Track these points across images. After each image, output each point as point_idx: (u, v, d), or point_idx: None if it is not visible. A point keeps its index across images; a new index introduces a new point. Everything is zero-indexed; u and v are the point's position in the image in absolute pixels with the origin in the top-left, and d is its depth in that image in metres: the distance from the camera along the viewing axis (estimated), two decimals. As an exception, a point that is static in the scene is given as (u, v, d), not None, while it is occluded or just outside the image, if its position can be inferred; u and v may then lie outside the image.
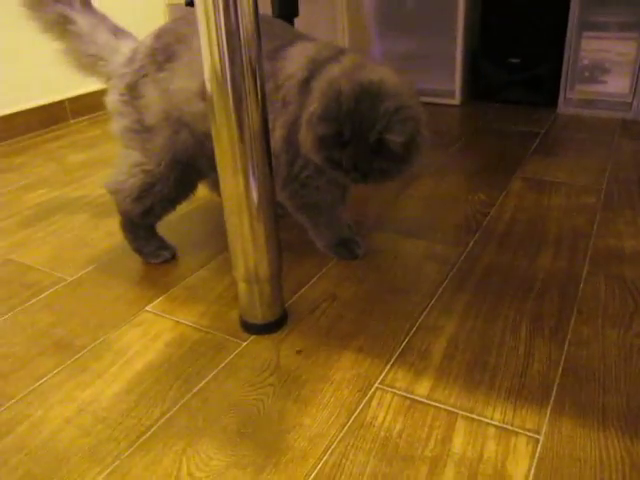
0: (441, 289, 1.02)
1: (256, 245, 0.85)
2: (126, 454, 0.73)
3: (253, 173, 0.81)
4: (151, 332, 0.94)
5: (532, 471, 0.68)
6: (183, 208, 1.31)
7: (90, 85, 2.37)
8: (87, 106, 2.39)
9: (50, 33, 1.04)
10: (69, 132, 2.13)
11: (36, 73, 2.14)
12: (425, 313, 0.96)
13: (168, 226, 1.23)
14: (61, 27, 1.01)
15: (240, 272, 0.88)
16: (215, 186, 1.16)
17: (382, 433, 0.74)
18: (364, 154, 0.92)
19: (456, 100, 2.07)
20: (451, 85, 2.05)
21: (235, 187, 0.81)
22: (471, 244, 1.16)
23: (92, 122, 2.29)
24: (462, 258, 1.12)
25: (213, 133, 0.79)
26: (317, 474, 0.69)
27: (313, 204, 1.08)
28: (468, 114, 2.01)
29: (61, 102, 2.32)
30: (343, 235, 1.13)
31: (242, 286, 0.90)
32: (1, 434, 0.77)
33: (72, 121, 2.34)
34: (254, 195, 0.82)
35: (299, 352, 0.88)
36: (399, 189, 1.43)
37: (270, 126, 0.90)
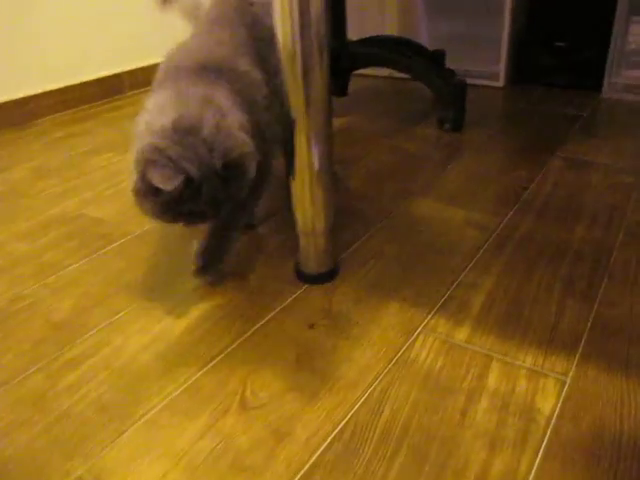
0: (480, 252, 1.10)
1: (314, 203, 0.95)
2: (197, 375, 0.84)
3: (315, 139, 0.91)
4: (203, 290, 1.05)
5: (558, 406, 0.76)
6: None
7: (146, 60, 2.48)
8: (143, 79, 2.51)
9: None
10: (126, 103, 2.25)
11: (97, 47, 2.27)
12: (465, 272, 1.05)
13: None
14: None
15: (299, 226, 0.98)
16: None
17: (424, 369, 0.83)
18: (217, 187, 0.83)
19: (500, 82, 2.12)
20: (496, 67, 2.11)
21: (299, 151, 0.91)
22: (510, 214, 1.24)
23: (149, 94, 2.40)
24: (501, 226, 1.19)
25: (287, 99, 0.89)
26: (366, 399, 0.79)
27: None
28: (512, 96, 2.06)
29: (119, 75, 2.44)
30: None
31: (300, 239, 0.99)
32: (88, 355, 0.89)
33: (129, 93, 2.46)
34: (315, 159, 0.92)
35: (325, 317, 0.97)
36: (443, 163, 1.51)
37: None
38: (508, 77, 2.13)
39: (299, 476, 0.69)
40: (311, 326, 0.92)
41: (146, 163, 0.79)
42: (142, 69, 2.51)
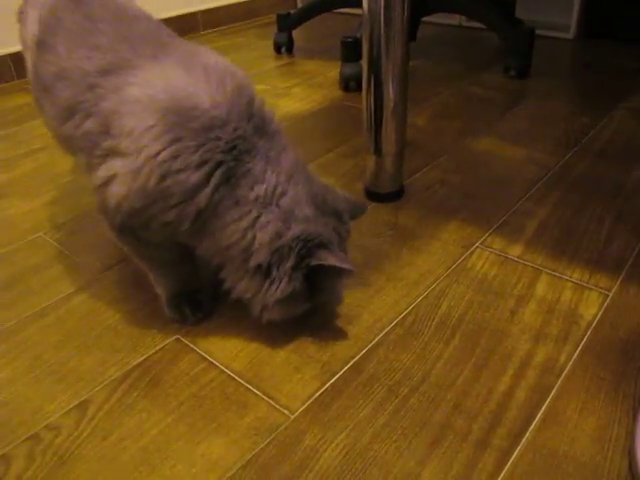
0: (537, 185, 1.18)
1: (388, 129, 1.05)
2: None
3: (392, 79, 1.02)
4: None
5: (599, 314, 0.86)
6: (315, 106, 1.51)
7: (221, 0, 2.58)
8: (217, 19, 2.61)
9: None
10: (201, 42, 2.35)
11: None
12: (521, 201, 1.13)
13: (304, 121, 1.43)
14: None
15: (373, 149, 1.08)
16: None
17: (479, 276, 0.93)
18: None
19: (570, 34, 2.14)
20: (567, 19, 2.12)
21: (380, 84, 1.04)
22: (569, 155, 1.31)
23: (221, 34, 2.51)
24: (559, 165, 1.27)
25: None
26: (426, 295, 0.90)
27: (142, 256, 0.84)
28: (581, 49, 2.08)
29: (194, 14, 2.54)
30: (186, 288, 0.87)
31: (371, 159, 1.10)
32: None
33: (203, 32, 2.57)
34: (391, 95, 1.02)
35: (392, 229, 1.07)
36: (506, 107, 1.57)
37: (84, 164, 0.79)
38: (579, 29, 2.14)
39: (365, 351, 0.80)
40: (378, 236, 1.03)
41: (316, 247, 0.73)
42: (217, 8, 2.61)
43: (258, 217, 0.71)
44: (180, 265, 0.82)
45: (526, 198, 1.13)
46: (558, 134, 1.40)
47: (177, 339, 0.83)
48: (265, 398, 0.73)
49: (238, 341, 0.82)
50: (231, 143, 0.69)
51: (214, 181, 0.69)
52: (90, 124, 0.73)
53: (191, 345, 0.82)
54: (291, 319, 0.78)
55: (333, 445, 0.67)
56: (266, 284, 0.72)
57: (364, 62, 1.02)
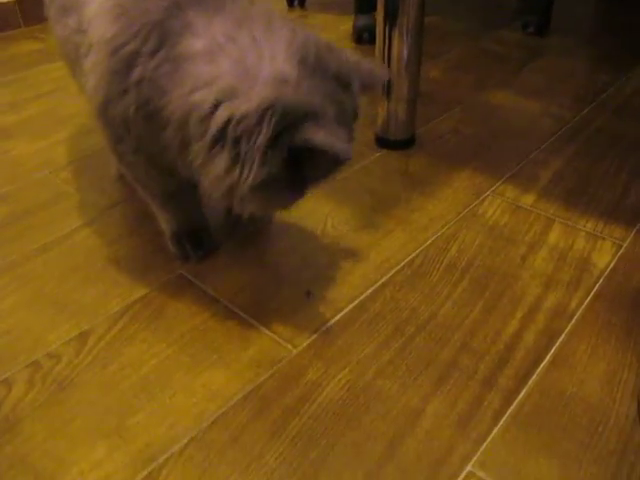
0: (553, 138, 1.15)
1: (400, 74, 1.02)
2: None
3: (407, 30, 1.01)
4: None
5: (612, 263, 0.84)
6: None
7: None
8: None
9: None
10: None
11: None
12: (536, 152, 1.10)
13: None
14: None
15: (384, 94, 1.05)
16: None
17: (490, 222, 0.91)
18: None
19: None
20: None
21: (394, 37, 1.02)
22: (586, 110, 1.27)
23: None
24: (576, 119, 1.23)
25: None
26: (435, 239, 0.88)
27: (145, 185, 0.80)
28: (604, 6, 2.02)
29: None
30: (189, 227, 0.85)
31: (383, 106, 1.07)
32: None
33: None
34: (405, 45, 1.02)
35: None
36: (523, 62, 1.53)
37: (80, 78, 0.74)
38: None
39: (371, 290, 0.79)
40: (387, 181, 1.00)
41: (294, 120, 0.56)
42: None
43: (199, 77, 0.57)
44: (182, 200, 0.80)
45: (541, 149, 1.11)
46: (576, 90, 1.37)
47: (180, 275, 0.82)
48: (268, 332, 0.72)
49: (242, 278, 0.81)
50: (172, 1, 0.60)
51: (149, 46, 0.60)
52: (72, 22, 0.71)
53: (194, 280, 0.80)
54: (279, 212, 0.72)
55: (336, 380, 0.66)
56: (237, 169, 0.57)
57: (379, 14, 0.99)
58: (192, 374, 0.67)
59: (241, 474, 0.57)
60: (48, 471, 0.59)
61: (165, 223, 0.83)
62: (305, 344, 0.70)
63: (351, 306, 0.75)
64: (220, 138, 0.57)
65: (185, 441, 0.61)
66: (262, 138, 0.55)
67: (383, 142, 1.10)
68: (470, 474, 0.57)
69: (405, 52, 1.00)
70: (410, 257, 0.83)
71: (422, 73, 1.10)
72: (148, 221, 0.87)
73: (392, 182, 1.00)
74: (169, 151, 0.65)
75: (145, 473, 0.58)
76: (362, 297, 0.77)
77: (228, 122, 0.56)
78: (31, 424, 0.63)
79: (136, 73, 0.61)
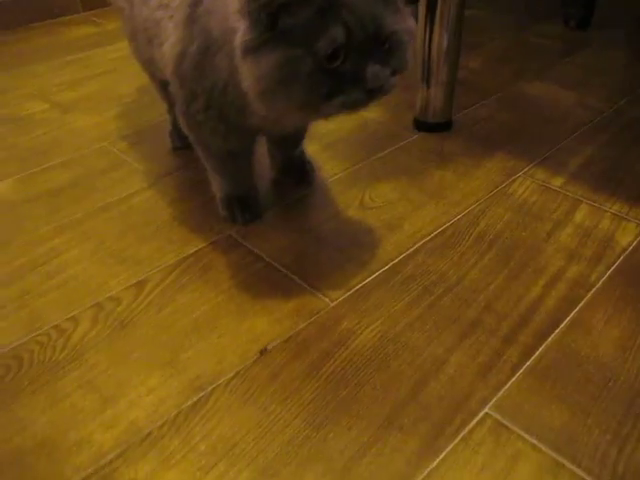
0: (586, 127, 1.20)
1: (440, 61, 1.08)
2: (328, 182, 1.01)
3: (448, 18, 1.07)
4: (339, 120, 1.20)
5: (635, 242, 0.88)
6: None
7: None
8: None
9: None
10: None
11: None
12: (568, 139, 1.15)
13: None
14: None
15: (424, 77, 1.11)
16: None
17: (519, 201, 0.97)
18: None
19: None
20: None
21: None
22: (622, 102, 1.31)
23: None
24: (611, 110, 1.27)
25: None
26: (466, 214, 0.93)
27: (207, 145, 0.86)
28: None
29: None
30: (239, 192, 0.92)
31: (422, 90, 1.13)
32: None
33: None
34: (446, 33, 1.07)
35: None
36: (562, 55, 1.57)
37: (158, 55, 0.82)
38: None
39: (404, 255, 0.85)
40: (423, 161, 1.06)
41: None
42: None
43: None
44: (238, 164, 0.88)
45: (573, 137, 1.15)
46: (613, 83, 1.40)
47: (229, 235, 0.89)
48: (308, 287, 0.79)
49: (285, 240, 0.88)
50: None
51: None
52: (154, 2, 0.80)
53: (242, 241, 0.88)
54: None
55: (368, 330, 0.73)
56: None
57: (421, 3, 1.05)
58: (238, 320, 0.74)
59: (279, 404, 0.65)
60: (110, 393, 0.66)
61: (218, 187, 0.90)
62: (341, 299, 0.77)
63: (385, 268, 0.82)
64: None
65: (231, 375, 0.68)
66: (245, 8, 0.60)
67: (421, 125, 1.16)
68: (487, 415, 0.63)
69: (445, 41, 1.06)
70: (441, 228, 0.89)
71: (462, 63, 1.15)
72: (199, 189, 0.96)
73: (428, 161, 1.06)
74: (233, 88, 0.70)
75: (195, 399, 0.65)
76: (395, 261, 0.83)
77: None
78: (95, 354, 0.71)
79: (199, 10, 0.70)
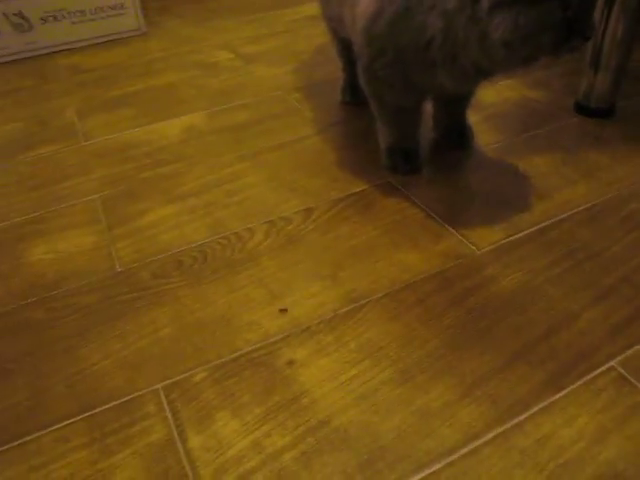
0: None
1: (611, 47, 1.10)
2: (482, 151, 1.07)
3: (624, 13, 1.08)
4: (504, 94, 1.26)
5: None
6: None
7: None
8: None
9: None
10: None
11: None
12: None
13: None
14: None
15: (591, 62, 1.14)
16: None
17: (674, 190, 0.98)
18: None
19: None
20: None
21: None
22: None
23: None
24: None
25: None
26: (617, 194, 0.97)
27: (382, 99, 0.97)
28: None
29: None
30: (403, 144, 1.01)
31: (589, 74, 1.16)
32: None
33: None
34: (620, 26, 1.08)
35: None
36: None
37: (348, 14, 0.92)
38: None
39: (551, 221, 0.91)
40: (580, 142, 1.10)
41: None
42: None
43: None
44: (407, 118, 0.97)
45: None
46: None
47: (389, 182, 0.99)
48: (457, 235, 0.87)
49: (440, 192, 0.96)
50: None
51: None
52: None
53: (400, 188, 0.97)
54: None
55: (509, 278, 0.80)
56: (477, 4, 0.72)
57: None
58: (392, 251, 0.84)
59: (422, 324, 0.74)
60: (278, 291, 0.79)
61: (383, 137, 1.00)
62: (487, 249, 0.84)
63: (532, 229, 0.88)
64: None
65: (381, 294, 0.78)
66: None
67: (582, 109, 1.19)
68: (612, 368, 0.69)
69: (620, 29, 1.08)
70: (591, 203, 0.94)
71: (635, 54, 1.17)
72: (364, 139, 1.06)
73: (585, 143, 1.09)
74: (427, 48, 0.80)
75: (349, 308, 0.76)
76: (542, 225, 0.89)
77: None
78: (267, 260, 0.84)
79: None
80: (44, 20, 1.61)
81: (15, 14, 1.57)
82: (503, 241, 0.85)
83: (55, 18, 1.62)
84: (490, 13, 0.71)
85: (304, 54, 1.51)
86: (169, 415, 0.64)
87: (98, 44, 1.67)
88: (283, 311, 0.75)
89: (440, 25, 0.76)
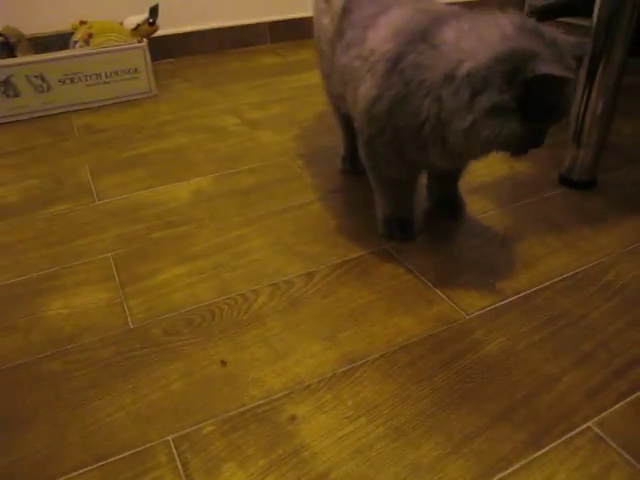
0: None
1: (592, 123, 1.20)
2: (472, 220, 1.16)
3: (604, 91, 1.18)
4: (494, 167, 1.35)
5: None
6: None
7: None
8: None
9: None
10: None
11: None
12: None
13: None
14: None
15: (574, 139, 1.24)
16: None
17: (650, 261, 1.06)
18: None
19: None
20: None
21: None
22: None
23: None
24: None
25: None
26: (597, 264, 1.04)
27: (380, 173, 1.05)
28: None
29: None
30: (399, 214, 1.09)
31: (571, 149, 1.25)
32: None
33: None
34: (600, 105, 1.19)
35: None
36: None
37: (350, 95, 1.00)
38: None
39: (535, 289, 0.98)
40: (563, 213, 1.18)
41: (524, 58, 0.76)
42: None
43: (454, 50, 0.81)
44: (402, 191, 1.06)
45: None
46: None
47: (385, 249, 1.07)
48: (448, 301, 0.94)
49: (433, 260, 1.04)
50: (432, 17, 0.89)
51: (413, 45, 0.86)
52: (354, 53, 0.99)
53: (396, 255, 1.05)
54: (503, 144, 0.84)
55: (495, 342, 0.87)
56: (475, 100, 0.79)
57: (582, 70, 1.18)
58: (387, 315, 0.91)
59: (414, 384, 0.80)
60: (281, 351, 0.85)
61: (381, 208, 1.08)
62: (475, 314, 0.91)
63: (516, 296, 0.95)
64: (464, 82, 0.79)
65: (377, 355, 0.84)
66: (498, 76, 0.77)
67: (566, 181, 1.28)
68: (589, 428, 0.75)
69: (600, 106, 1.18)
70: (572, 272, 1.01)
71: (614, 128, 1.26)
72: (362, 207, 1.14)
73: (568, 214, 1.18)
74: (421, 129, 0.88)
75: (347, 368, 0.82)
76: (526, 292, 0.96)
77: (470, 71, 0.78)
78: (271, 321, 0.91)
79: (401, 65, 0.86)
80: (62, 82, 1.71)
81: (36, 76, 1.67)
82: (490, 307, 0.92)
83: (72, 80, 1.72)
84: (486, 114, 0.79)
85: (307, 121, 1.61)
86: (179, 465, 0.69)
87: (111, 105, 1.77)
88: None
89: (435, 110, 0.85)
